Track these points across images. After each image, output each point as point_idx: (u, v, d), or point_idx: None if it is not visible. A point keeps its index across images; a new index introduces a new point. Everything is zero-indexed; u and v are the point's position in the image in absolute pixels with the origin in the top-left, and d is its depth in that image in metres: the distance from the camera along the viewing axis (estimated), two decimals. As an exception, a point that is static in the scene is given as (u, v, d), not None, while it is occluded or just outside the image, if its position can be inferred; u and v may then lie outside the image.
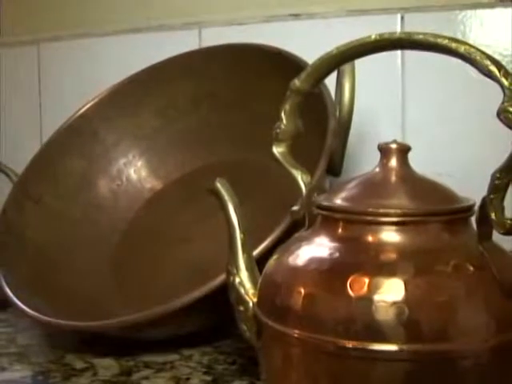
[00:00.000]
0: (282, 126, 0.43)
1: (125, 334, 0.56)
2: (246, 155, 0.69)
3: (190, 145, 0.73)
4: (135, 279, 0.68)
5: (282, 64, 0.63)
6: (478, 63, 0.35)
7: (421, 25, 0.64)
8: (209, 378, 0.51)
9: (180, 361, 0.54)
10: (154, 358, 0.55)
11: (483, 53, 0.35)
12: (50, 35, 0.87)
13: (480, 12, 0.66)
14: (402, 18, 0.68)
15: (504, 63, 0.36)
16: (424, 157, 0.59)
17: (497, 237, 0.37)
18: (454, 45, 0.36)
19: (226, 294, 0.43)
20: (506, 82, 0.34)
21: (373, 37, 0.38)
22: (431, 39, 0.37)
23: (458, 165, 0.66)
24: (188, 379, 0.51)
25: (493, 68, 0.35)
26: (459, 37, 0.65)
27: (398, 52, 0.68)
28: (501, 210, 0.36)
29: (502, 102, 0.34)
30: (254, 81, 0.68)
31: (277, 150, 0.43)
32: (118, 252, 0.71)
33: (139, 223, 0.72)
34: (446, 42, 0.36)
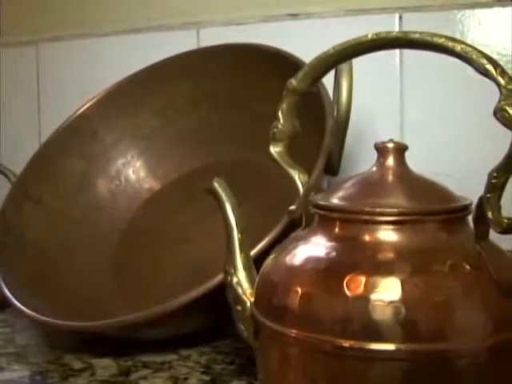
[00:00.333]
0: (279, 126, 0.43)
1: (123, 334, 0.56)
2: (245, 155, 0.69)
3: (188, 145, 0.73)
4: (135, 279, 0.68)
5: (281, 64, 0.63)
6: (474, 62, 0.35)
7: (419, 24, 0.63)
8: (207, 378, 0.51)
9: (178, 361, 0.54)
10: (152, 357, 0.55)
11: (479, 52, 0.35)
12: (48, 35, 0.87)
13: (478, 11, 0.66)
14: (401, 17, 0.68)
15: (502, 63, 0.36)
16: (423, 156, 0.59)
17: (494, 236, 0.37)
18: (450, 44, 0.36)
19: (224, 293, 0.43)
20: (502, 81, 0.34)
21: (369, 36, 0.38)
22: (427, 38, 0.37)
23: (457, 164, 0.66)
24: (186, 379, 0.51)
25: (489, 67, 0.35)
26: (458, 36, 0.64)
27: (397, 51, 0.68)
28: (497, 209, 0.36)
29: (499, 101, 0.34)
30: (252, 81, 0.68)
31: (274, 150, 0.43)
32: (117, 252, 0.71)
33: (138, 223, 0.72)
34: (442, 40, 0.36)
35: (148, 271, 0.68)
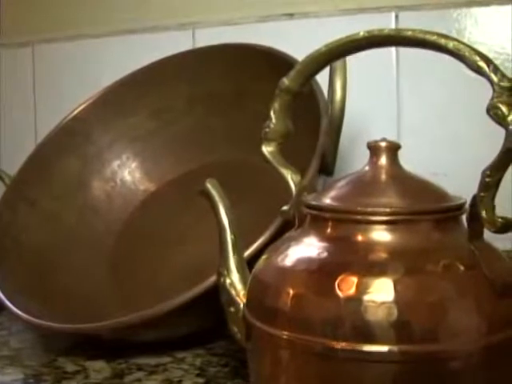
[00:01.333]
0: (272, 125, 0.42)
1: (118, 336, 0.56)
2: (241, 155, 0.69)
3: (184, 146, 0.73)
4: (132, 280, 0.68)
5: (277, 63, 0.62)
6: (466, 59, 0.35)
7: (415, 23, 0.62)
8: (201, 381, 0.50)
9: (172, 363, 0.54)
10: (146, 360, 0.54)
11: (472, 49, 0.35)
12: (44, 36, 0.87)
13: (475, 10, 0.66)
14: (397, 16, 0.68)
15: (500, 61, 0.35)
16: (419, 156, 0.59)
17: (488, 235, 0.37)
18: (442, 41, 0.36)
19: (218, 295, 0.43)
20: (495, 78, 0.34)
21: (361, 33, 0.38)
22: (420, 35, 0.36)
23: (454, 164, 0.66)
24: (180, 381, 0.50)
25: (482, 64, 0.34)
26: (454, 35, 0.64)
27: (393, 50, 0.67)
28: (491, 207, 0.35)
29: (492, 98, 0.34)
30: (249, 81, 0.68)
31: (266, 150, 0.43)
32: (113, 253, 0.71)
33: (134, 225, 0.72)
34: (434, 38, 0.36)
35: (145, 272, 0.68)
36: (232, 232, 0.42)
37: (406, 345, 0.34)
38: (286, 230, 0.44)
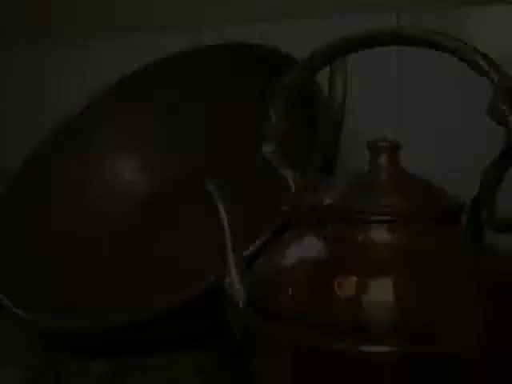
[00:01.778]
0: (271, 125, 0.42)
1: (118, 335, 0.55)
2: (242, 155, 0.69)
3: (186, 145, 0.73)
4: (132, 280, 0.68)
5: (278, 63, 0.62)
6: (468, 59, 0.35)
7: (417, 23, 0.63)
8: (201, 381, 0.50)
9: (172, 363, 0.54)
10: (145, 360, 0.54)
11: (473, 48, 0.35)
12: (44, 36, 0.87)
13: (476, 9, 0.66)
14: (398, 16, 0.67)
15: (501, 61, 0.35)
16: (420, 156, 0.59)
17: (488, 235, 0.37)
18: (444, 40, 0.36)
19: (217, 295, 0.43)
20: (495, 78, 0.34)
21: (362, 33, 0.38)
22: (421, 35, 0.36)
23: (455, 164, 0.66)
24: (180, 381, 0.50)
25: (483, 63, 0.34)
26: (455, 35, 0.64)
27: (394, 49, 0.67)
28: (492, 208, 0.35)
29: (492, 98, 0.34)
30: (249, 80, 0.68)
31: (266, 149, 0.43)
32: (113, 253, 0.71)
33: (133, 224, 0.72)
34: (435, 37, 0.36)
35: (145, 272, 0.68)
36: (232, 232, 0.42)
37: (406, 345, 0.34)
38: (285, 230, 0.44)
